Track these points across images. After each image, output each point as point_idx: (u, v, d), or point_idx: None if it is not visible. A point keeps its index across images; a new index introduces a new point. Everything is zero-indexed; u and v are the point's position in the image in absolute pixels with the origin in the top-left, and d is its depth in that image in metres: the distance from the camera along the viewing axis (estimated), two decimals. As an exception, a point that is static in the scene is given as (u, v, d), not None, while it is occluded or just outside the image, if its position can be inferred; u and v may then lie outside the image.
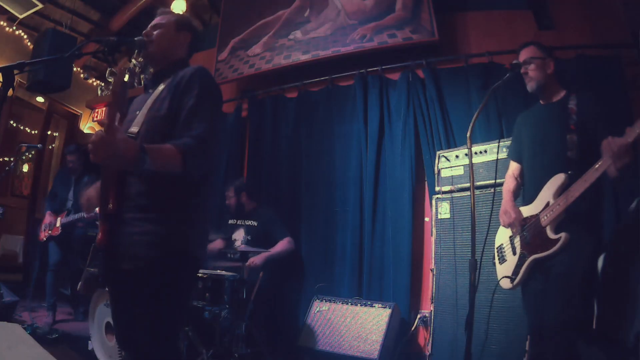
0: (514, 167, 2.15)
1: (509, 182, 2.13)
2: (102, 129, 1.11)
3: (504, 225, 2.02)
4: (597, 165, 1.66)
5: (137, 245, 1.26)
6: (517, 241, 1.95)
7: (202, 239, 1.44)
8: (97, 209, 1.43)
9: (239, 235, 3.36)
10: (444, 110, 3.24)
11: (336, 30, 3.86)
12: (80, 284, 3.26)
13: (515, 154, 2.15)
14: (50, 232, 3.71)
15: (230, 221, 3.48)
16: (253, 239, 3.24)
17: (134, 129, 1.38)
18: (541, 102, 2.07)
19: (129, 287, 1.28)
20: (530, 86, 2.01)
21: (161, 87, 1.45)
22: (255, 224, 3.33)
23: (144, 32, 1.54)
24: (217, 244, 3.45)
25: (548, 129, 1.95)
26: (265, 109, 4.12)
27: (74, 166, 3.92)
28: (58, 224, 3.69)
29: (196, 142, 1.26)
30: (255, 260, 3.01)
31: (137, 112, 1.44)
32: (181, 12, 4.24)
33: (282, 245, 3.20)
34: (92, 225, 3.68)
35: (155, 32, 1.52)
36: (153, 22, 1.56)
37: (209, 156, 1.32)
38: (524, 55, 2.03)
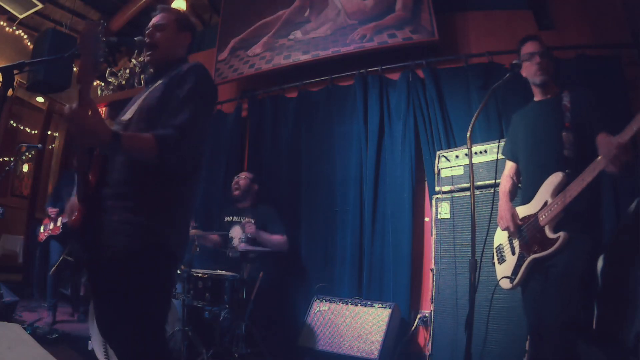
0: (509, 166, 2.16)
1: (504, 182, 2.13)
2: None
3: (501, 229, 2.02)
4: (594, 164, 1.66)
5: (117, 235, 1.26)
6: (515, 241, 1.95)
7: (181, 235, 1.43)
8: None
9: (236, 233, 3.35)
10: (444, 110, 3.23)
11: (336, 30, 3.86)
12: (53, 268, 3.29)
13: (510, 153, 2.16)
14: (50, 231, 3.71)
15: (227, 218, 3.46)
16: (250, 237, 3.23)
17: (127, 116, 1.43)
18: (535, 99, 2.06)
19: (107, 276, 1.28)
20: (544, 78, 1.96)
21: (159, 81, 1.48)
22: (253, 222, 3.32)
23: (146, 32, 1.55)
24: (213, 238, 3.42)
25: (544, 127, 1.95)
26: (265, 109, 4.11)
27: None
28: (59, 224, 3.69)
29: (175, 132, 1.26)
30: (251, 228, 3.11)
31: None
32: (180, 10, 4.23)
33: (277, 238, 3.21)
34: None
35: (158, 35, 1.54)
36: (154, 21, 1.57)
37: (189, 147, 1.32)
38: (533, 47, 1.99)
